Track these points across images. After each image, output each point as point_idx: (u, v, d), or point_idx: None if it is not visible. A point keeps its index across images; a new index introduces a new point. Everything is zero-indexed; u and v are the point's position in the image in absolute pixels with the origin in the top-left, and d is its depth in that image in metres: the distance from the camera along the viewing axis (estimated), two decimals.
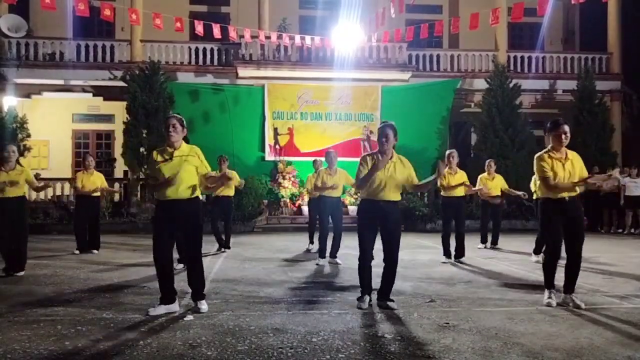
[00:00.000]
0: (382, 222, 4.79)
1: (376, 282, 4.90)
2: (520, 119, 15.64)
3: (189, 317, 4.41)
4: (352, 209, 13.82)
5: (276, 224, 14.46)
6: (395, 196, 4.85)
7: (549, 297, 4.91)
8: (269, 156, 15.85)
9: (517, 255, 8.70)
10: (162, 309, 4.56)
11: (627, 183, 13.33)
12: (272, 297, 5.30)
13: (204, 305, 4.66)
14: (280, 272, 6.99)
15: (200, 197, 4.89)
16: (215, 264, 7.60)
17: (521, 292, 5.55)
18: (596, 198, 14.07)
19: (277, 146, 15.87)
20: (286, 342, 3.75)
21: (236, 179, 8.82)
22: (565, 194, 4.82)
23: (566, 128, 4.84)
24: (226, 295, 5.36)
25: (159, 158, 4.65)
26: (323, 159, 8.35)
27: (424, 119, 15.91)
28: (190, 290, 4.80)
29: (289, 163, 15.56)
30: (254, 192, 14.47)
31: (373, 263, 4.95)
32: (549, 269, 4.96)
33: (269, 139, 15.89)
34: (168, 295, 4.62)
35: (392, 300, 4.82)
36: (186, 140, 4.80)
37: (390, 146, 4.79)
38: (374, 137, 16.34)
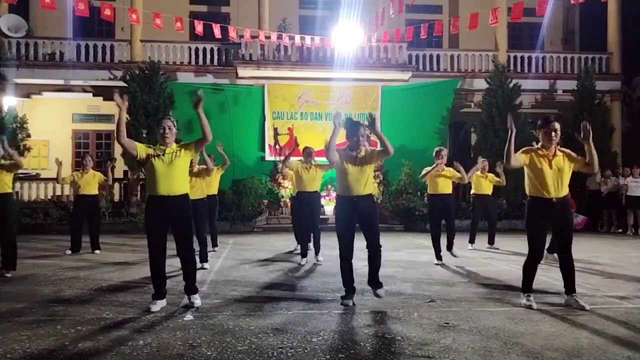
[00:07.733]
0: (359, 217, 4.92)
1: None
2: (520, 119, 15.61)
3: (189, 317, 4.42)
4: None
5: (276, 224, 14.44)
6: (369, 189, 5.06)
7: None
8: (269, 156, 15.84)
9: (517, 256, 8.68)
10: (159, 305, 4.69)
11: (629, 183, 13.29)
12: (272, 297, 5.30)
13: (197, 300, 4.82)
14: (280, 272, 6.99)
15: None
16: (215, 264, 7.59)
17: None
18: (596, 198, 14.10)
19: (277, 146, 15.85)
20: (286, 342, 3.75)
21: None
22: (553, 194, 4.77)
23: (557, 125, 4.79)
24: (226, 295, 5.36)
25: (151, 151, 4.80)
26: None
27: (424, 119, 15.89)
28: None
29: None
30: (254, 192, 14.48)
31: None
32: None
33: (269, 139, 15.88)
34: (161, 290, 4.77)
35: (381, 286, 4.96)
36: (177, 141, 5.02)
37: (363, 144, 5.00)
38: (374, 137, 16.32)
